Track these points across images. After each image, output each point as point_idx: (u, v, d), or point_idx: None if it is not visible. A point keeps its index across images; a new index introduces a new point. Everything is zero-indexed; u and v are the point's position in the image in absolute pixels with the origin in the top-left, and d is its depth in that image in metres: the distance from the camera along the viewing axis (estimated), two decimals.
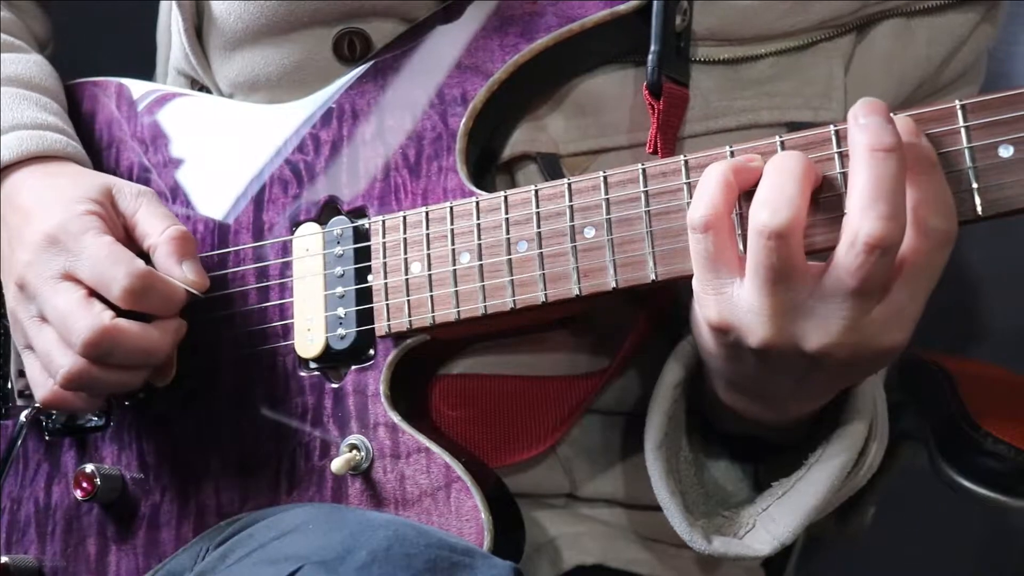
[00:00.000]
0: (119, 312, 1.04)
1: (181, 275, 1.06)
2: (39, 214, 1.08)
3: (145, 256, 1.07)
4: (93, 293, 1.04)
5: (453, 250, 1.02)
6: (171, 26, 1.27)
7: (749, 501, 1.05)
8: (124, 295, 1.03)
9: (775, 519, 1.01)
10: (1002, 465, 1.24)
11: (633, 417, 1.11)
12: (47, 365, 1.07)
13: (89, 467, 1.12)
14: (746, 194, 0.90)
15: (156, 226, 1.08)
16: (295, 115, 1.14)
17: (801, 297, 0.86)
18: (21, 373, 1.20)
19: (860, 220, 0.83)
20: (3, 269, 1.11)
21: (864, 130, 0.84)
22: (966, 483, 1.25)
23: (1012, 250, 1.53)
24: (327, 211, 1.10)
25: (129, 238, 1.09)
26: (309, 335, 1.07)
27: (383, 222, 1.06)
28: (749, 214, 0.86)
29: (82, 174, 1.13)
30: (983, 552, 1.70)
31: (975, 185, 0.85)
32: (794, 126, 1.06)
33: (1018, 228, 1.26)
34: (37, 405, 1.16)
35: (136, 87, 1.23)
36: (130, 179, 1.18)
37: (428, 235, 1.03)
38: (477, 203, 1.01)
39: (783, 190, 0.85)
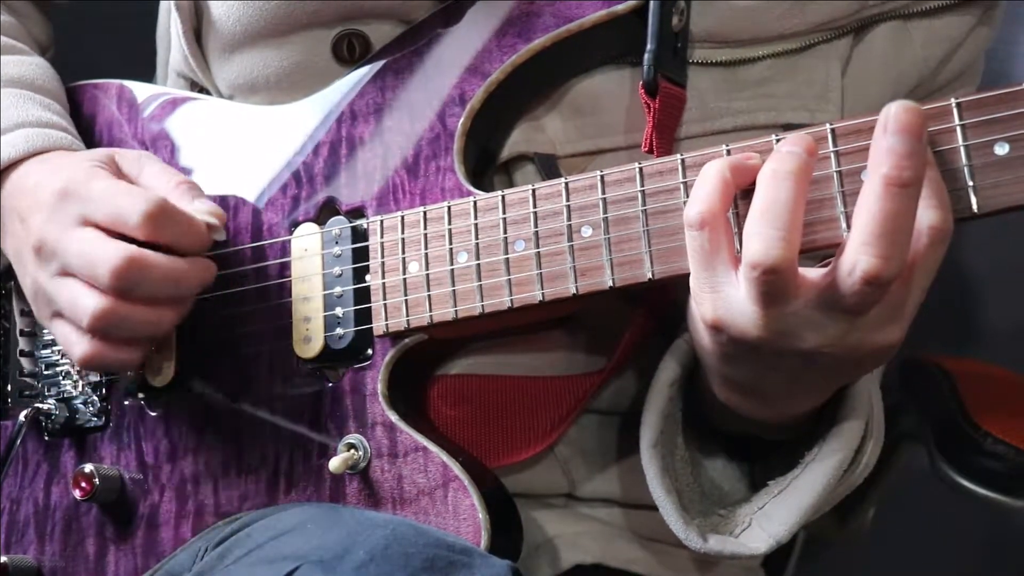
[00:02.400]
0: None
1: (195, 208, 1.06)
2: (47, 182, 1.07)
3: None
4: (111, 233, 1.03)
5: (451, 250, 1.02)
6: (170, 28, 1.28)
7: (746, 500, 1.05)
8: (143, 221, 1.01)
9: (771, 517, 1.01)
10: (1002, 465, 1.24)
11: (631, 417, 1.11)
12: (74, 315, 1.05)
13: (88, 467, 1.12)
14: (743, 192, 0.90)
15: (163, 179, 1.08)
16: (294, 116, 1.14)
17: (796, 307, 0.86)
18: (21, 373, 1.20)
19: (859, 253, 0.82)
20: (17, 252, 1.11)
21: (887, 154, 0.81)
22: (966, 483, 1.26)
23: (1012, 250, 1.53)
24: (325, 211, 1.10)
25: None
26: (307, 335, 1.07)
27: (381, 222, 1.06)
28: (743, 239, 0.85)
29: (83, 152, 1.14)
30: (983, 552, 1.70)
31: (971, 183, 0.85)
32: (791, 128, 1.06)
33: (1018, 228, 1.27)
34: (37, 405, 1.17)
35: (136, 89, 1.23)
36: None
37: (426, 235, 1.03)
38: (475, 203, 1.02)
39: (775, 222, 0.84)
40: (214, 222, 1.06)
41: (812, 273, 0.86)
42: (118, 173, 1.10)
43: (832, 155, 0.89)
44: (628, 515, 1.16)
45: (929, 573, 1.69)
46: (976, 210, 0.85)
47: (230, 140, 1.17)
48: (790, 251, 0.84)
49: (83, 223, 1.04)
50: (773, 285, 0.84)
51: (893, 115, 0.82)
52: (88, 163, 1.08)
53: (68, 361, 1.19)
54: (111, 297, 1.03)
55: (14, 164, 1.12)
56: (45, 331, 1.20)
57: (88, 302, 1.03)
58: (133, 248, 1.02)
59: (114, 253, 1.01)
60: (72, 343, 1.07)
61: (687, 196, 0.93)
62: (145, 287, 1.03)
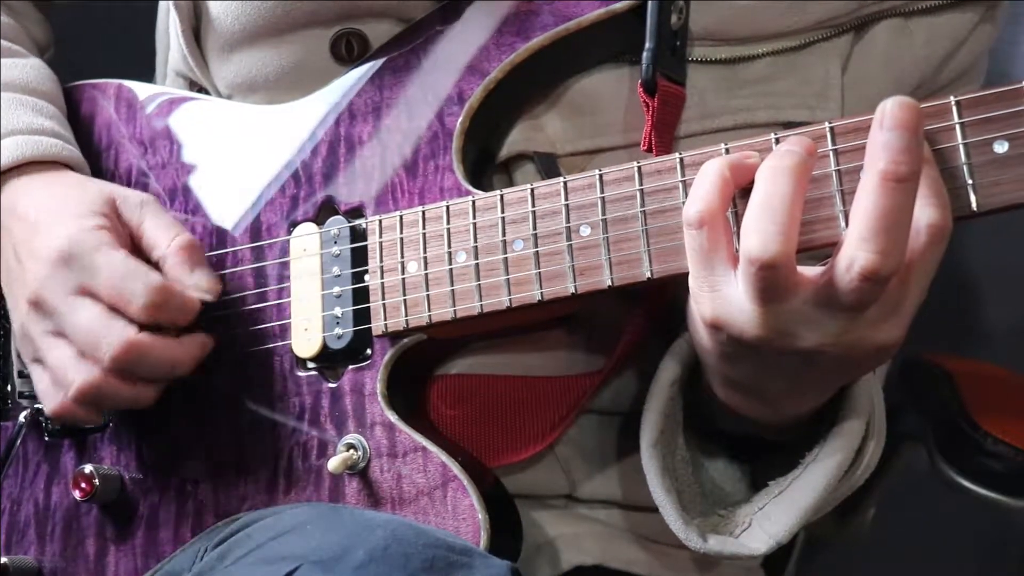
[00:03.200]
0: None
1: (194, 283, 1.07)
2: (46, 226, 1.08)
3: (154, 266, 1.08)
4: (111, 308, 1.05)
5: (449, 249, 1.02)
6: (169, 28, 1.28)
7: (746, 500, 1.05)
8: (144, 310, 1.04)
9: (771, 518, 1.01)
10: (1002, 465, 1.24)
11: (631, 417, 1.11)
12: (59, 379, 1.07)
13: (88, 467, 1.12)
14: (742, 191, 0.90)
15: (163, 237, 1.09)
16: (293, 116, 1.14)
17: (795, 305, 0.86)
18: (21, 374, 1.20)
19: (857, 249, 0.82)
20: (8, 281, 1.11)
21: (884, 149, 0.81)
22: (966, 483, 1.26)
23: (1012, 250, 1.53)
24: (324, 211, 1.10)
25: (136, 248, 1.09)
26: (306, 335, 1.07)
27: (380, 222, 1.06)
28: (740, 235, 0.85)
29: (83, 183, 1.14)
30: (983, 552, 1.70)
31: (970, 181, 0.85)
32: (791, 126, 1.06)
33: (1018, 228, 1.26)
34: (37, 406, 1.17)
35: (135, 89, 1.23)
36: (129, 180, 1.19)
37: (424, 234, 1.03)
38: (473, 202, 1.02)
39: (774, 218, 0.84)
40: (209, 299, 1.08)
41: (810, 271, 0.86)
42: (118, 221, 1.10)
43: (831, 153, 0.88)
44: (628, 516, 1.16)
45: (929, 573, 1.69)
46: (975, 208, 0.85)
47: (229, 140, 1.17)
48: (788, 246, 0.83)
49: (83, 293, 1.06)
50: (771, 281, 0.84)
51: (889, 111, 0.82)
52: (92, 221, 1.08)
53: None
54: (101, 372, 1.05)
55: (8, 173, 1.12)
56: None
57: (77, 375, 1.06)
58: (133, 333, 1.04)
59: (117, 337, 1.04)
60: (48, 396, 1.09)
61: (686, 195, 0.93)
62: (142, 370, 1.06)
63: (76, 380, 1.06)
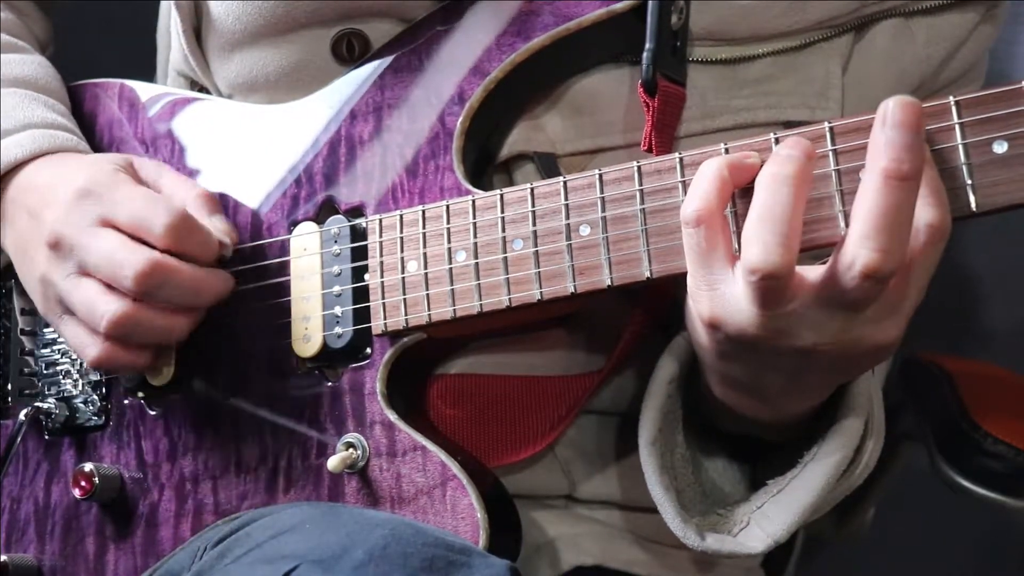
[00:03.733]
0: None
1: (213, 226, 1.08)
2: (65, 180, 1.08)
3: None
4: (132, 237, 1.04)
5: (449, 248, 1.02)
6: (171, 27, 1.28)
7: (744, 499, 1.05)
8: (167, 232, 1.03)
9: (769, 517, 1.01)
10: (1002, 465, 1.24)
11: (630, 417, 1.11)
12: (90, 317, 1.05)
13: (88, 466, 1.12)
14: (741, 191, 0.90)
15: (181, 188, 1.10)
16: (293, 116, 1.14)
17: (793, 306, 0.86)
18: (20, 372, 1.20)
19: (859, 247, 0.82)
20: (23, 245, 1.11)
21: (886, 147, 0.81)
22: (966, 483, 1.25)
23: (1012, 250, 1.53)
24: (325, 210, 1.10)
25: None
26: (306, 334, 1.07)
27: (380, 221, 1.06)
28: (742, 243, 0.85)
29: (98, 155, 1.15)
30: (983, 552, 1.70)
31: (969, 181, 0.85)
32: (791, 125, 1.06)
33: (1018, 228, 1.26)
34: (37, 404, 1.17)
35: (137, 88, 1.24)
36: None
37: (424, 233, 1.03)
38: (473, 201, 1.02)
39: (774, 227, 0.84)
40: (227, 241, 1.08)
41: (811, 272, 0.86)
42: (136, 178, 1.10)
43: (830, 153, 0.88)
44: (628, 516, 1.16)
45: (929, 573, 1.69)
46: (974, 208, 0.85)
47: (230, 139, 1.17)
48: (789, 256, 0.84)
49: (103, 223, 1.05)
50: (772, 289, 0.84)
51: (891, 109, 0.82)
52: (110, 165, 1.09)
53: (68, 360, 1.19)
54: (131, 302, 1.04)
55: (20, 164, 1.13)
56: (46, 330, 1.20)
57: (108, 306, 1.04)
58: (158, 254, 1.03)
59: (140, 257, 1.03)
60: (85, 344, 1.07)
61: (685, 195, 0.93)
62: (166, 293, 1.04)
63: (107, 312, 1.04)
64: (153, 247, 1.04)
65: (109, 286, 1.04)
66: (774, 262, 0.83)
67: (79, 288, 1.06)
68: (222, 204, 1.14)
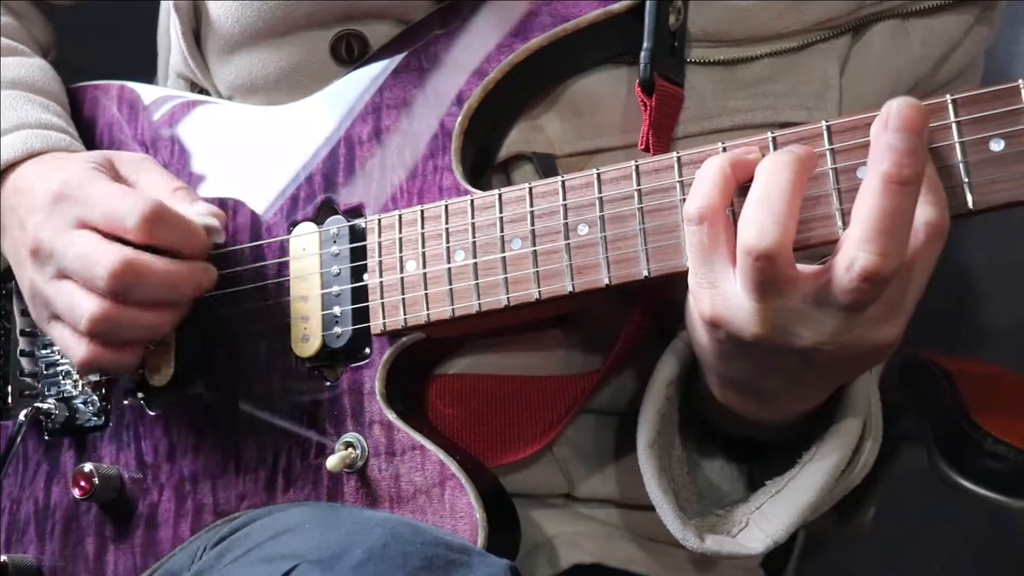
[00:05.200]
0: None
1: (196, 211, 1.06)
2: (42, 183, 1.08)
3: None
4: (107, 236, 1.04)
5: (448, 248, 1.02)
6: (170, 29, 1.28)
7: (743, 500, 1.05)
8: (140, 223, 1.01)
9: (768, 517, 1.01)
10: (1002, 465, 1.24)
11: (629, 417, 1.11)
12: (72, 318, 1.05)
13: (87, 466, 1.12)
14: (741, 190, 0.90)
15: (160, 183, 1.09)
16: (293, 117, 1.15)
17: (793, 302, 0.86)
18: (21, 373, 1.20)
19: (858, 250, 0.82)
20: (15, 250, 1.11)
21: (887, 151, 0.81)
22: (966, 483, 1.25)
23: (1012, 250, 1.53)
24: (324, 211, 1.10)
25: None
26: (306, 334, 1.08)
27: (379, 221, 1.06)
28: (738, 226, 0.86)
29: (81, 154, 1.14)
30: (983, 552, 1.70)
31: (966, 180, 0.85)
32: (788, 126, 1.05)
33: (1018, 228, 1.27)
34: (37, 405, 1.17)
35: (137, 90, 1.24)
36: None
37: (423, 234, 1.04)
38: (472, 201, 1.02)
39: (771, 208, 0.84)
40: (213, 223, 1.07)
41: (809, 268, 0.86)
42: (116, 176, 1.10)
43: (828, 152, 0.89)
44: (627, 515, 1.16)
45: (929, 573, 1.69)
46: (972, 207, 0.85)
47: (230, 140, 1.17)
48: (784, 237, 0.83)
49: (79, 225, 1.04)
50: (768, 273, 0.84)
51: (895, 111, 0.82)
52: (85, 165, 1.08)
53: (68, 361, 1.19)
54: (108, 301, 1.03)
55: (13, 165, 1.13)
56: None
57: (85, 306, 1.03)
58: (130, 251, 1.02)
59: (112, 256, 1.02)
60: (70, 346, 1.07)
61: (683, 194, 0.93)
62: (142, 291, 1.03)
63: (85, 312, 1.03)
64: (131, 243, 1.03)
65: (85, 284, 1.04)
66: (769, 241, 0.83)
67: (60, 291, 1.06)
68: (222, 205, 1.14)
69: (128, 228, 1.02)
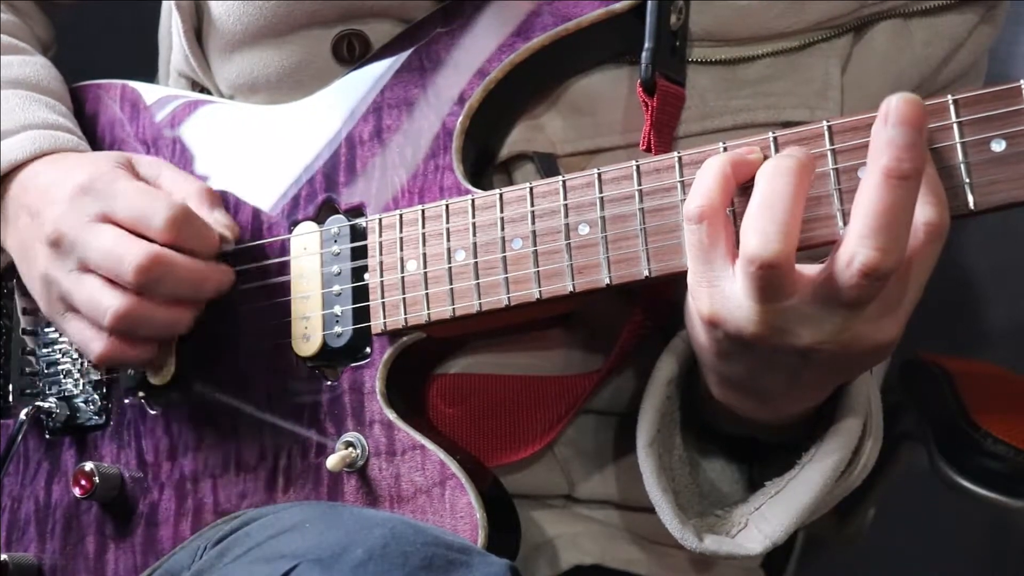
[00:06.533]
0: None
1: (214, 219, 1.08)
2: (66, 178, 1.08)
3: None
4: (131, 232, 1.05)
5: (448, 248, 1.02)
6: (171, 28, 1.28)
7: (743, 500, 1.05)
8: (167, 226, 1.03)
9: (767, 518, 1.01)
10: (1002, 465, 1.24)
11: (629, 417, 1.11)
12: (93, 313, 1.06)
13: (88, 465, 1.12)
14: (741, 189, 0.90)
15: (182, 182, 1.10)
16: (294, 116, 1.15)
17: (792, 303, 0.86)
18: (21, 372, 1.20)
19: (858, 245, 0.82)
20: (24, 244, 1.11)
21: (887, 146, 0.81)
22: (966, 483, 1.25)
23: (1012, 250, 1.53)
24: (325, 210, 1.10)
25: None
26: (306, 333, 1.08)
27: (380, 220, 1.06)
28: (740, 233, 0.85)
29: (97, 153, 1.16)
30: (983, 552, 1.70)
31: (967, 180, 0.85)
32: (790, 126, 1.06)
33: (1018, 228, 1.27)
34: (38, 404, 1.17)
35: (139, 89, 1.24)
36: None
37: (424, 233, 1.04)
38: (472, 201, 1.02)
39: (774, 216, 0.84)
40: (228, 235, 1.09)
41: (809, 269, 0.86)
42: (136, 175, 1.11)
43: (829, 152, 0.89)
44: (627, 516, 1.16)
45: (929, 573, 1.69)
46: (972, 207, 0.85)
47: (231, 139, 1.18)
48: (788, 246, 0.84)
49: (103, 219, 1.05)
50: (770, 280, 0.84)
51: (894, 107, 0.82)
52: (109, 162, 1.10)
53: (69, 360, 1.19)
54: (133, 296, 1.04)
55: (20, 165, 1.13)
56: (47, 330, 1.20)
57: (109, 300, 1.04)
58: (158, 248, 1.04)
59: (140, 251, 1.03)
60: (89, 340, 1.07)
61: (684, 194, 0.93)
62: (167, 287, 1.04)
63: (111, 307, 1.04)
64: (153, 241, 1.04)
65: (111, 281, 1.05)
66: (773, 250, 0.83)
67: (81, 284, 1.06)
68: (223, 203, 1.14)
69: (154, 228, 1.04)
